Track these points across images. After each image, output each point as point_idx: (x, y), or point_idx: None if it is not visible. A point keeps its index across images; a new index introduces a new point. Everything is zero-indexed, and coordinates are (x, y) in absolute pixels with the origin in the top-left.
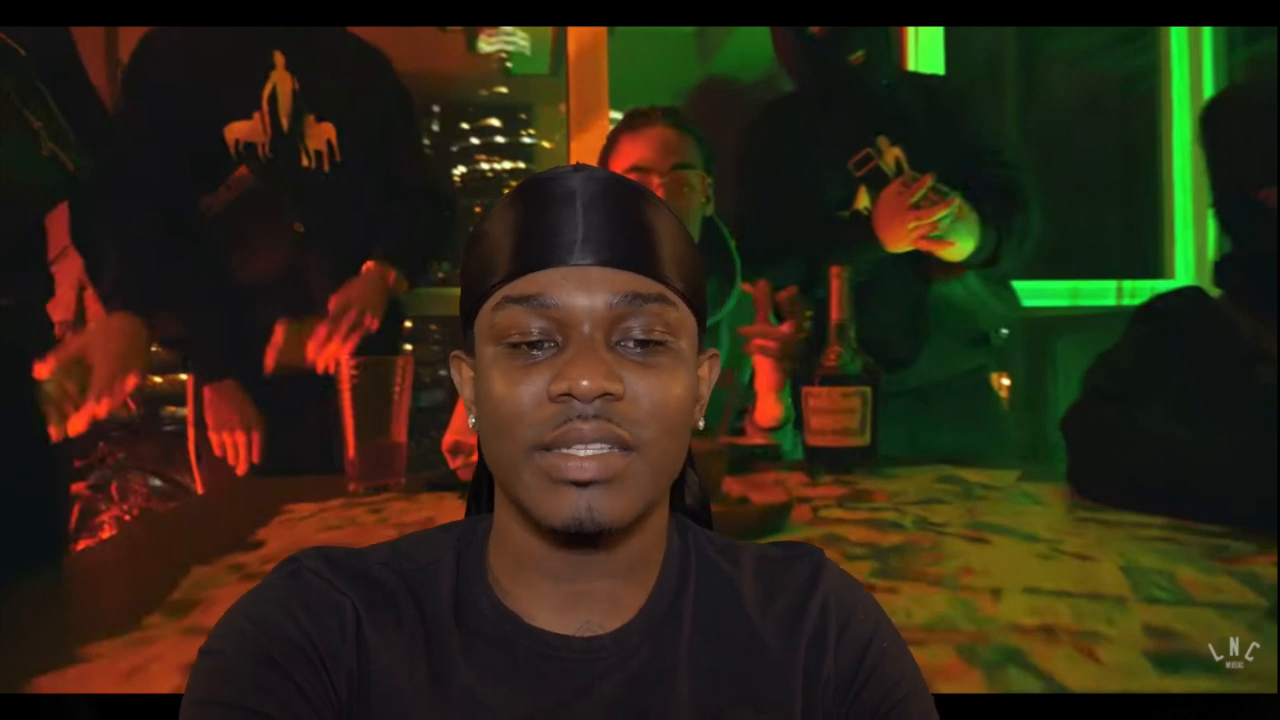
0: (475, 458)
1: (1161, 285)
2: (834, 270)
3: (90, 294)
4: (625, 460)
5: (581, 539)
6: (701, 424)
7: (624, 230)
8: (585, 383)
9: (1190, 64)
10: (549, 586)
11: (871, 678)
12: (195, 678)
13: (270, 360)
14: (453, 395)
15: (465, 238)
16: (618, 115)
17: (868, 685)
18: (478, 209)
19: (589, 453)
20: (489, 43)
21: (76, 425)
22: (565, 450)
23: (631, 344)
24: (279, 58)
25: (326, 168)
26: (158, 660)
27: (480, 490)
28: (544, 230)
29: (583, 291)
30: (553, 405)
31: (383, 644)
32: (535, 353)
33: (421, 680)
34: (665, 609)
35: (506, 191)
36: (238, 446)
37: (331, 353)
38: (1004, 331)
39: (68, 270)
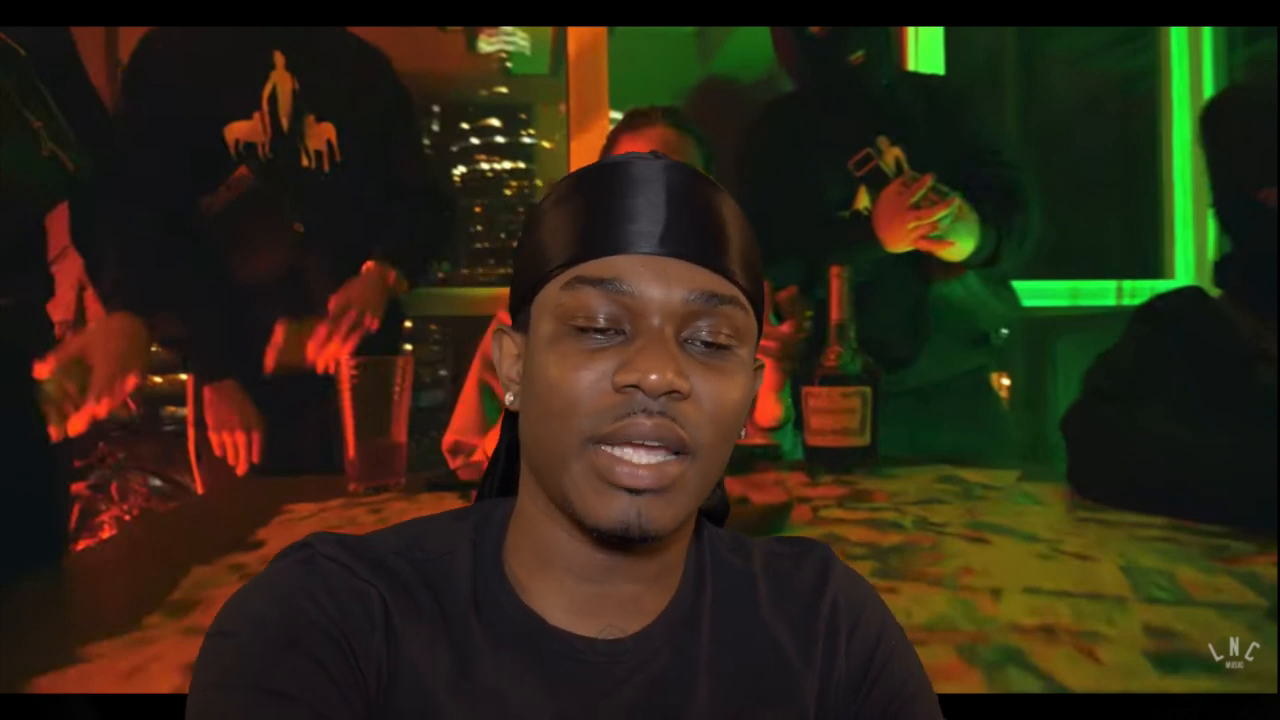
0: (477, 457)
1: (1161, 285)
2: (834, 270)
3: (90, 294)
4: (680, 467)
5: (623, 542)
6: (744, 433)
7: (706, 226)
8: (654, 376)
9: (1190, 64)
10: (574, 586)
11: (881, 676)
12: (208, 660)
13: (270, 360)
14: (453, 395)
15: (526, 215)
16: (618, 115)
17: (878, 684)
18: (478, 209)
19: (645, 460)
20: (489, 43)
21: (76, 425)
22: (620, 449)
23: (699, 344)
24: (279, 58)
25: (326, 168)
26: (158, 660)
27: (494, 474)
28: (624, 213)
29: (659, 283)
30: (615, 395)
31: (409, 635)
32: (599, 338)
33: (445, 674)
34: (684, 612)
35: (572, 174)
36: (238, 446)
37: (331, 353)
38: (1004, 331)
39: (68, 270)
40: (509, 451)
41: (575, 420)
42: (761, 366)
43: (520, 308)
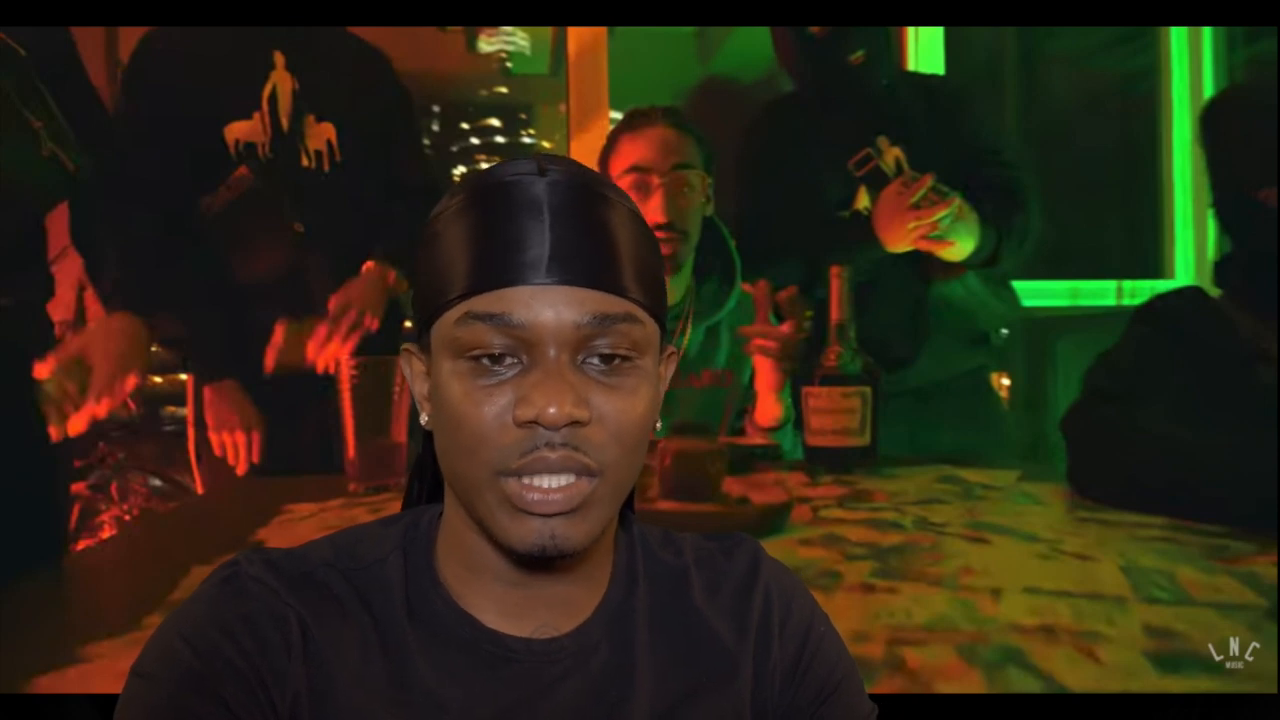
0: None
1: (1161, 285)
2: (834, 270)
3: (90, 294)
4: (590, 487)
5: (541, 562)
6: (659, 426)
7: (591, 246)
8: (553, 410)
9: (1190, 64)
10: (503, 591)
11: (813, 662)
12: (126, 700)
13: (270, 360)
14: None
15: (421, 231)
16: (618, 115)
17: (810, 669)
18: None
19: (556, 484)
20: (489, 43)
21: (76, 425)
22: (531, 479)
23: (596, 360)
24: (279, 58)
25: (326, 168)
26: None
27: (422, 483)
28: (509, 243)
29: (550, 312)
30: (518, 430)
31: (334, 652)
32: (497, 369)
33: (380, 683)
34: (618, 606)
35: (459, 182)
36: (238, 446)
37: (331, 353)
38: (1004, 331)
39: (68, 270)
40: (435, 462)
41: (482, 455)
42: (673, 353)
43: (423, 330)
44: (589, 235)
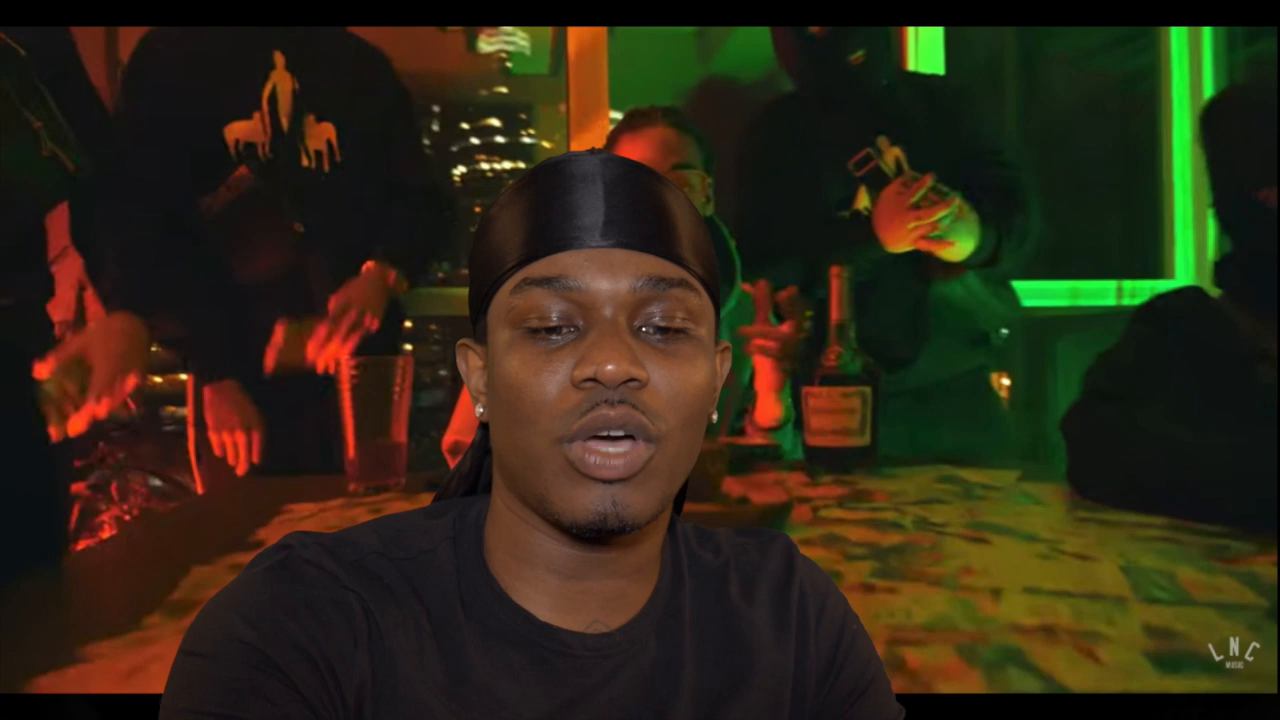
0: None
1: (1161, 285)
2: (834, 270)
3: (90, 294)
4: (649, 452)
5: (600, 536)
6: (715, 417)
7: (647, 213)
8: (611, 367)
9: (1190, 64)
10: (556, 584)
11: (847, 660)
12: (180, 681)
13: (270, 360)
14: (453, 395)
15: (475, 225)
16: (618, 115)
17: (844, 668)
18: (478, 209)
19: (616, 450)
20: (489, 43)
21: (76, 425)
22: (591, 441)
23: (652, 330)
24: (279, 58)
25: (326, 168)
26: (158, 660)
27: (462, 478)
28: (565, 211)
29: (606, 274)
30: (577, 393)
31: (397, 643)
32: (555, 338)
33: (437, 676)
34: (666, 604)
35: (517, 177)
36: (238, 446)
37: (331, 353)
38: (1004, 331)
39: (68, 270)
40: (478, 463)
41: (543, 423)
42: (727, 347)
43: (478, 319)
44: (643, 204)
